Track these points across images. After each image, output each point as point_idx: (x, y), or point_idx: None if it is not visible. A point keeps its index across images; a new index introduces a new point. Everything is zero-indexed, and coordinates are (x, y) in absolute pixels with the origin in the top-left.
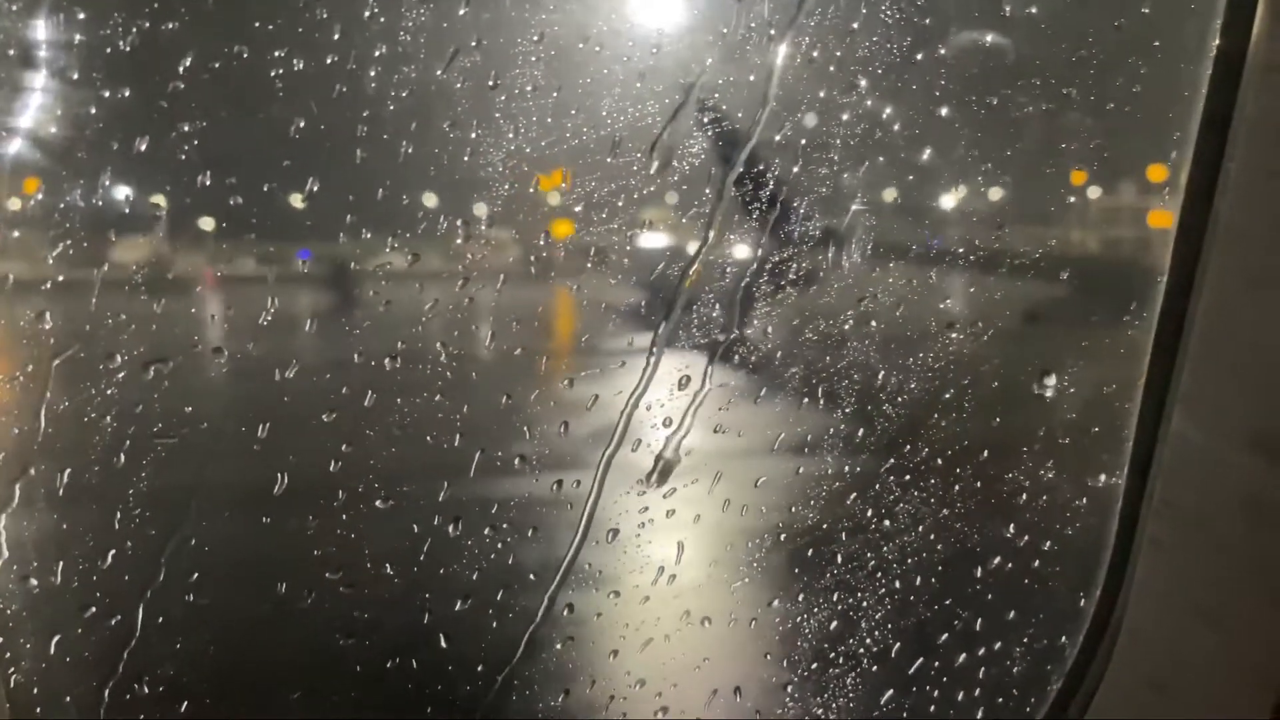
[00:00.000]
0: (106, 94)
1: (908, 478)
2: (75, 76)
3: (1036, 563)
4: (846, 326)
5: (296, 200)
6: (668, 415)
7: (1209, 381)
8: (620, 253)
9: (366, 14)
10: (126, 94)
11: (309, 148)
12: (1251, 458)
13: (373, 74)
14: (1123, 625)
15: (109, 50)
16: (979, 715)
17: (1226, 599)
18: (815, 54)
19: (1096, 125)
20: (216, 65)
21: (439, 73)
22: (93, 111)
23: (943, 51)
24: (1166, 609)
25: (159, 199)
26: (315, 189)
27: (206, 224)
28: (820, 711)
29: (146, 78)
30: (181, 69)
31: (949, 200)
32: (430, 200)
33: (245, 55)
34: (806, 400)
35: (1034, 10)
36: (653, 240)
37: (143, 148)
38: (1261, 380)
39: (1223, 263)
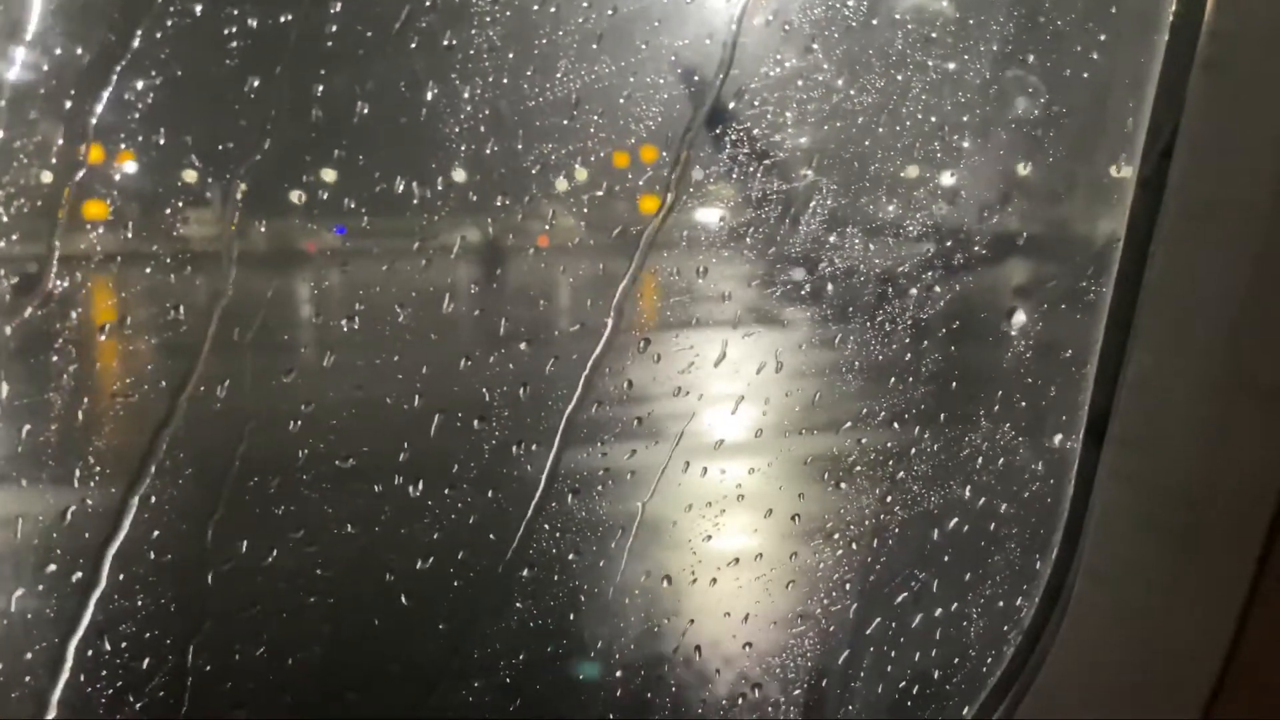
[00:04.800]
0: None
1: (865, 440)
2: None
3: (993, 525)
4: (805, 290)
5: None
6: (628, 378)
7: (1166, 345)
8: (578, 215)
9: None
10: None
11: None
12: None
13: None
14: (1075, 587)
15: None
16: (935, 676)
17: (1180, 559)
18: (772, 16)
19: (1053, 88)
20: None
21: (394, 30)
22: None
23: (899, 15)
24: (1120, 572)
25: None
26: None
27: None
28: (779, 670)
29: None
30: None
31: (906, 167)
32: (380, 165)
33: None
34: (767, 363)
35: None
36: (611, 203)
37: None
38: (1222, 323)
39: (1178, 217)
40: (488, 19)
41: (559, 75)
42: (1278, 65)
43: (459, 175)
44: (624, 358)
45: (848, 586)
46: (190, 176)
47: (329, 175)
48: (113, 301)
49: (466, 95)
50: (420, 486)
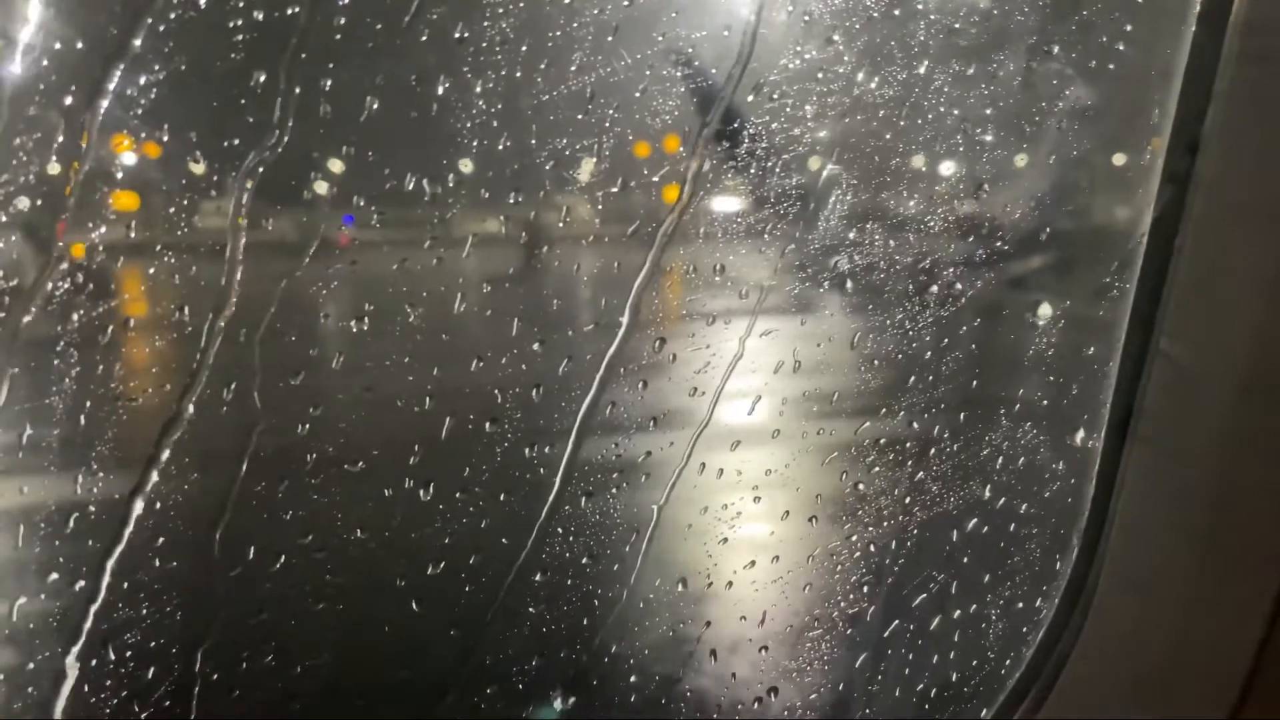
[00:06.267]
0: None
1: (884, 440)
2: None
3: (1013, 525)
4: (823, 287)
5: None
6: (644, 378)
7: (1193, 342)
8: (593, 211)
9: None
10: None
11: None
12: (1238, 405)
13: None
14: (1097, 588)
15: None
16: (953, 678)
17: (1206, 559)
18: (793, 7)
19: (1078, 80)
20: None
21: (404, 23)
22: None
23: (921, 6)
24: (1144, 572)
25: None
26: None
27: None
28: (796, 674)
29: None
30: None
31: (928, 161)
32: (390, 161)
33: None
34: (785, 361)
35: None
36: (628, 198)
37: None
38: (1250, 321)
39: (1206, 212)
40: (500, 11)
41: (573, 69)
42: None
43: (470, 170)
44: (639, 357)
45: (866, 588)
46: (197, 172)
47: (338, 171)
48: (116, 301)
49: (479, 89)
50: (431, 490)
